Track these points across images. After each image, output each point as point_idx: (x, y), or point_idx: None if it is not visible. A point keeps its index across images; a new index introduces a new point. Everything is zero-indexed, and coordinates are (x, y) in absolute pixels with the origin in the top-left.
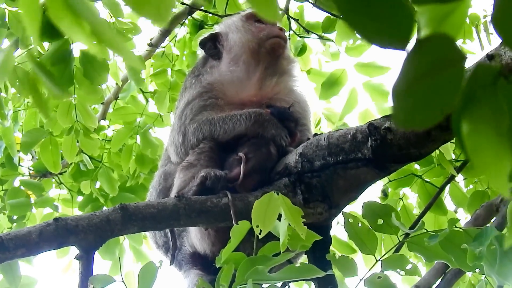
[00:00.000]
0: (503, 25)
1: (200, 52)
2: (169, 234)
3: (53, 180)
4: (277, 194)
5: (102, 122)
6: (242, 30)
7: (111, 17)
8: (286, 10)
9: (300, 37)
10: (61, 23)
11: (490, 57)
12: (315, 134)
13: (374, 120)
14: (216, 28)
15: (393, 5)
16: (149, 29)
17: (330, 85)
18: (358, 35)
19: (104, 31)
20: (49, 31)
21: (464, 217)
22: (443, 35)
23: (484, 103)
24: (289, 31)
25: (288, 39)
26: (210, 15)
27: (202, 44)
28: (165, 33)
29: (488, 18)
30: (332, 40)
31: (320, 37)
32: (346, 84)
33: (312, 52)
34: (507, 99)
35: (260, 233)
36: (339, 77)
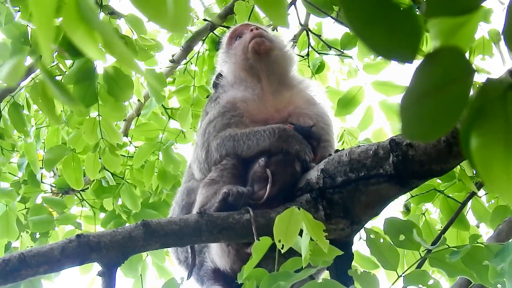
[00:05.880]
0: None
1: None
2: (189, 250)
3: (75, 197)
4: (299, 209)
5: (124, 139)
6: (227, 59)
7: (133, 33)
8: (306, 25)
9: (319, 53)
10: (74, 34)
11: None
12: (337, 150)
13: (395, 136)
14: (217, 68)
15: (402, 17)
16: (171, 46)
17: (347, 102)
18: (366, 47)
19: (115, 44)
20: (72, 49)
21: (486, 232)
22: (453, 47)
23: (493, 117)
24: (308, 48)
25: (265, 31)
26: None
27: (214, 86)
28: (186, 50)
29: None
30: (351, 57)
31: (341, 53)
32: (362, 102)
33: (330, 70)
34: None
35: (282, 248)
36: (355, 94)
